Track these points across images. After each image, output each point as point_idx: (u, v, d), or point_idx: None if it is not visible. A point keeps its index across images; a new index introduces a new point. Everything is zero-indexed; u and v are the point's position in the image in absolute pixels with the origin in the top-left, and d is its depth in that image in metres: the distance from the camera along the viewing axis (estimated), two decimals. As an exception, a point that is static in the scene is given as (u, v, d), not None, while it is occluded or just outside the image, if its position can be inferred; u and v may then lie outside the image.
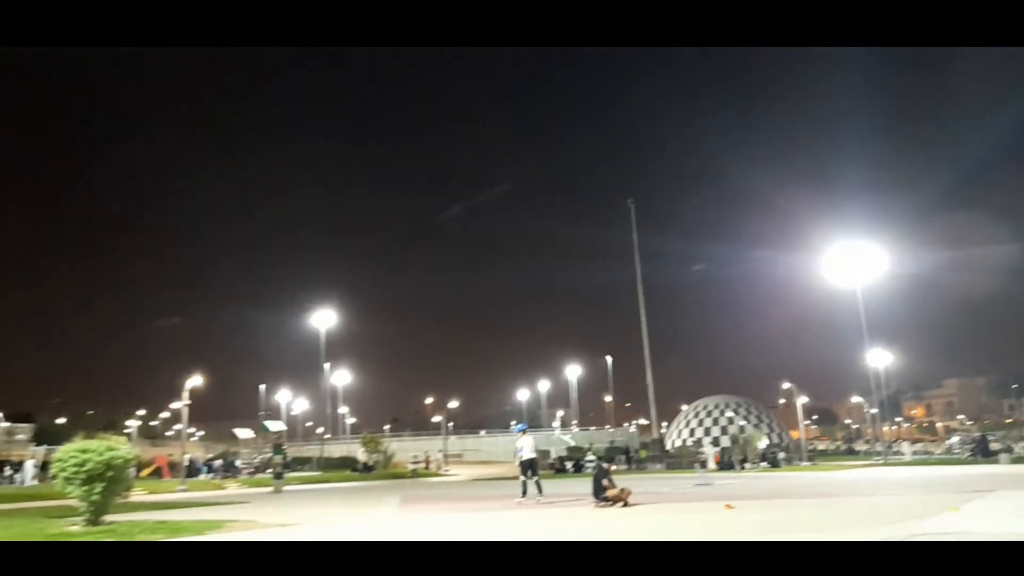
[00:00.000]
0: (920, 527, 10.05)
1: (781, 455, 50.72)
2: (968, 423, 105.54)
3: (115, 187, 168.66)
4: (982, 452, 46.55)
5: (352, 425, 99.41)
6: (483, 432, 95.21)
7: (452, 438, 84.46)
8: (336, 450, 66.31)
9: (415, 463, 50.41)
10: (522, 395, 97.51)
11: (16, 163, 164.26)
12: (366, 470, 48.48)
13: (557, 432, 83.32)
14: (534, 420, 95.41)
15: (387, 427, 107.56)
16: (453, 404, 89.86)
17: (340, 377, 67.11)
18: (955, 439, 66.05)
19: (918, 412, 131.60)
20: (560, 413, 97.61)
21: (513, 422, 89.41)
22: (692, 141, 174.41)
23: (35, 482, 40.20)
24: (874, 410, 66.95)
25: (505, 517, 14.36)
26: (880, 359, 51.88)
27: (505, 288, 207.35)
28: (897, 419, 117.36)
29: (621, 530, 11.12)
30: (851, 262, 32.27)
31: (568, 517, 13.98)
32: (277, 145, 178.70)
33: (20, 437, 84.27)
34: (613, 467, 18.91)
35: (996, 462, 42.02)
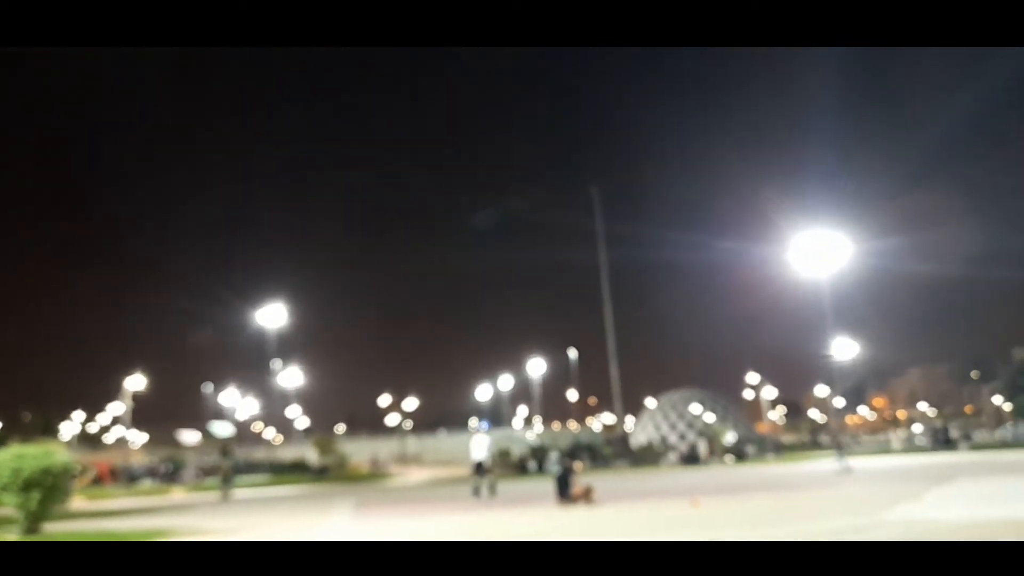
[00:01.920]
0: (887, 516, 10.23)
1: (750, 449, 50.85)
2: (930, 411, 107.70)
3: (47, 174, 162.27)
4: (942, 441, 47.36)
5: (305, 427, 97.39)
6: (443, 431, 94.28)
7: (410, 438, 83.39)
8: (288, 453, 64.72)
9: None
10: (483, 392, 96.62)
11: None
12: (320, 473, 47.32)
13: (519, 430, 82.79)
14: (496, 418, 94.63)
15: (341, 428, 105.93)
16: (411, 403, 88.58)
17: (291, 377, 65.37)
18: (917, 428, 67.21)
19: (880, 402, 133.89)
20: (523, 410, 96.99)
21: (473, 419, 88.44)
22: (658, 127, 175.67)
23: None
24: (839, 401, 67.41)
25: (464, 520, 13.69)
26: (845, 349, 52.07)
27: (464, 280, 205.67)
28: (861, 409, 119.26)
29: (585, 529, 10.60)
30: (815, 250, 32.17)
31: (531, 516, 13.37)
32: (224, 132, 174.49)
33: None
34: (578, 465, 18.41)
35: (956, 450, 42.69)
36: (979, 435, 51.86)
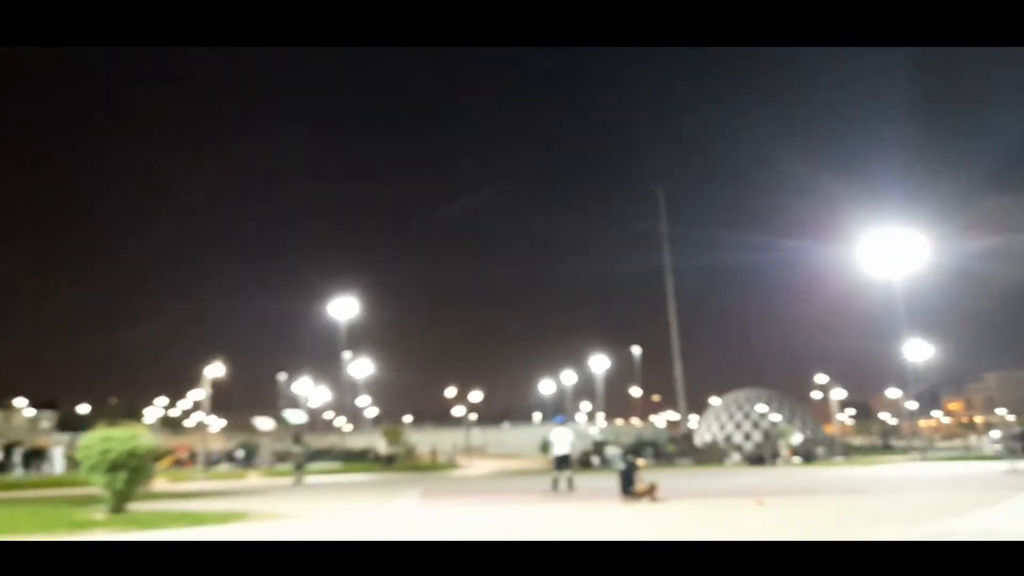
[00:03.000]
0: (956, 525, 9.73)
1: (820, 450, 49.78)
2: (1010, 418, 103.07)
3: (133, 175, 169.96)
4: (1019, 448, 45.38)
5: (374, 417, 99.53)
6: (506, 424, 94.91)
7: (475, 430, 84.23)
8: (358, 442, 66.36)
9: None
10: (546, 387, 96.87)
11: (40, 152, 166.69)
12: (387, 462, 48.37)
13: (582, 426, 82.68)
14: (559, 413, 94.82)
15: (409, 419, 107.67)
16: (476, 396, 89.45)
17: (361, 367, 66.94)
18: (995, 434, 64.48)
19: (957, 406, 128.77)
20: (585, 406, 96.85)
21: (538, 414, 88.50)
22: (724, 128, 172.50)
23: (61, 470, 40.49)
24: (912, 404, 65.24)
25: (527, 512, 13.92)
26: (918, 351, 50.29)
27: (531, 277, 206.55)
28: (935, 413, 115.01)
29: (648, 526, 10.67)
30: (888, 250, 31.26)
31: (594, 512, 13.51)
32: (301, 132, 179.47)
33: (44, 425, 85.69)
34: (641, 461, 18.33)
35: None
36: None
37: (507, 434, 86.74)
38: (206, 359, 37.61)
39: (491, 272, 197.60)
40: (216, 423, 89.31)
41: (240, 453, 51.84)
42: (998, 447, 52.23)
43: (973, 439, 69.39)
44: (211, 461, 45.76)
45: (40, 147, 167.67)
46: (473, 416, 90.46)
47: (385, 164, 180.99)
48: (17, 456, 43.06)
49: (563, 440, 18.45)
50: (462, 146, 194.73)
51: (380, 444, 53.81)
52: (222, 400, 72.12)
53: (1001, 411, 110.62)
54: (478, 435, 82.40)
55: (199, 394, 41.78)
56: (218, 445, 59.37)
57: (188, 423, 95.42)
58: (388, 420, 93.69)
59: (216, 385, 38.38)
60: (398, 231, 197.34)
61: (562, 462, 18.25)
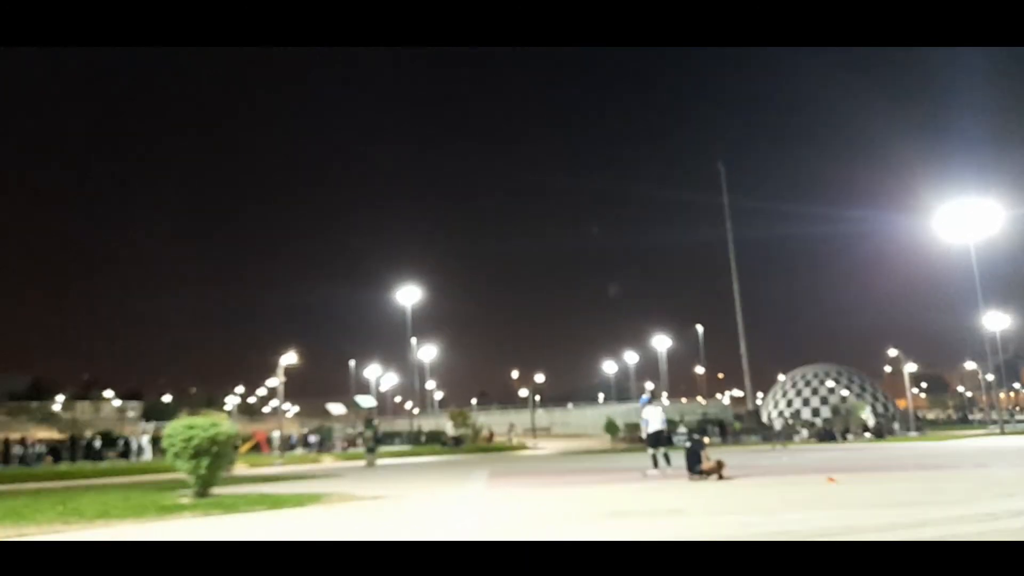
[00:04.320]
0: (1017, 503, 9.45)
1: (895, 425, 48.61)
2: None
3: (207, 167, 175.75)
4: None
5: (440, 399, 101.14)
6: (570, 405, 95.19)
7: (539, 411, 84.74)
8: (425, 424, 67.61)
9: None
10: (609, 368, 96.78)
11: (131, 142, 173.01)
12: (455, 444, 49.16)
13: (639, 404, 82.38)
14: (623, 393, 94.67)
15: (474, 401, 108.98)
16: (539, 378, 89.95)
17: (427, 352, 68.08)
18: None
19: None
20: (649, 386, 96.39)
21: (601, 394, 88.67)
22: (791, 95, 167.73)
23: (150, 457, 42.54)
24: (990, 376, 62.98)
25: (594, 492, 14.09)
26: (996, 322, 48.44)
27: (591, 257, 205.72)
28: (1015, 385, 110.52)
29: (722, 504, 10.74)
30: (963, 218, 30.09)
31: (663, 490, 13.59)
32: (363, 121, 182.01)
33: (131, 414, 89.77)
34: (707, 439, 18.27)
35: None
36: None
37: (572, 414, 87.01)
38: (281, 349, 39.07)
39: (553, 254, 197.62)
40: (291, 409, 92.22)
41: (314, 437, 53.51)
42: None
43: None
44: (287, 446, 47.28)
45: (129, 137, 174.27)
46: (537, 398, 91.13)
47: (449, 147, 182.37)
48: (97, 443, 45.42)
49: (656, 417, 18.58)
50: (526, 126, 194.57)
51: (448, 426, 54.71)
52: (296, 387, 74.62)
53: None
54: (543, 416, 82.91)
55: (274, 382, 43.17)
56: (293, 430, 61.29)
57: (265, 410, 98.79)
58: (454, 403, 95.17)
59: (290, 373, 39.73)
60: (461, 215, 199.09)
61: (657, 438, 18.36)
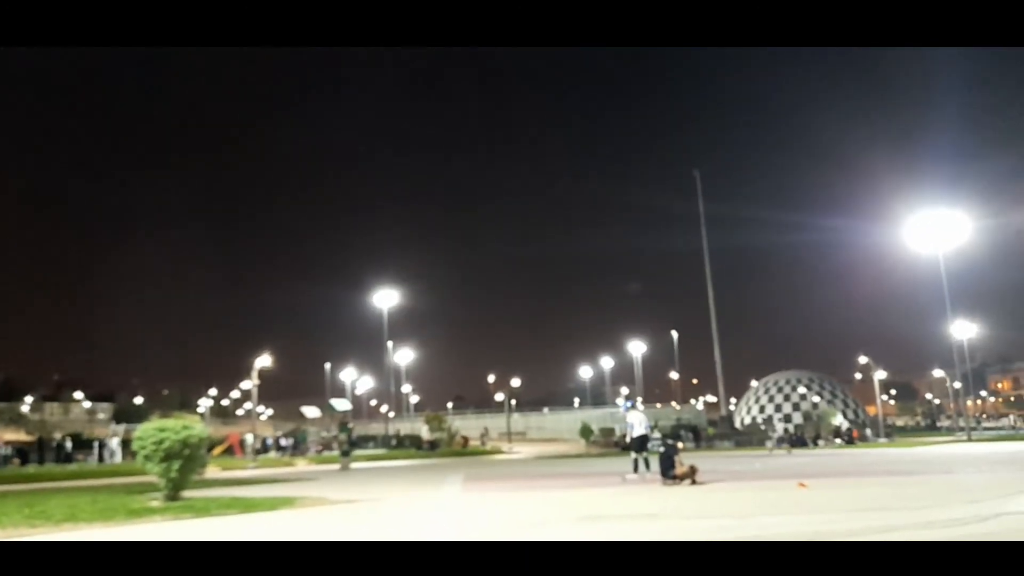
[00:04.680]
0: (1003, 506, 9.71)
1: (868, 431, 49.29)
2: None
3: (182, 166, 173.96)
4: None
5: (416, 403, 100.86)
6: (546, 410, 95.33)
7: (515, 416, 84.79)
8: (401, 428, 67.38)
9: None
10: (585, 372, 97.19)
11: (91, 150, 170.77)
12: (430, 448, 49.05)
13: (621, 410, 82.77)
14: (598, 398, 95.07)
15: (450, 405, 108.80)
16: (516, 382, 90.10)
17: (404, 355, 67.91)
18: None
19: (1004, 385, 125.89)
20: (624, 390, 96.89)
21: (576, 399, 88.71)
22: (765, 104, 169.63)
23: (120, 459, 41.90)
24: (957, 384, 64.09)
25: (569, 496, 14.13)
26: (964, 330, 49.35)
27: (567, 261, 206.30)
28: (982, 393, 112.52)
29: (694, 508, 10.82)
30: (933, 229, 30.69)
31: (638, 495, 13.67)
32: (336, 120, 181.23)
33: (101, 416, 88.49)
34: (681, 444, 18.39)
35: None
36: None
37: (547, 419, 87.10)
38: (256, 351, 38.80)
39: (529, 259, 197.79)
40: (265, 412, 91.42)
41: (288, 441, 53.09)
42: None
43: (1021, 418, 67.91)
44: (261, 449, 46.86)
45: (93, 141, 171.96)
46: (513, 402, 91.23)
47: (423, 153, 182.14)
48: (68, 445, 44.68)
49: (641, 422, 18.62)
50: (500, 133, 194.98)
51: (423, 430, 54.59)
52: (271, 390, 73.98)
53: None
54: (519, 420, 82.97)
55: (248, 384, 42.83)
56: (267, 433, 60.76)
57: (239, 412, 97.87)
58: (430, 407, 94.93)
59: (265, 375, 39.42)
60: (440, 219, 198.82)
61: (642, 443, 18.40)
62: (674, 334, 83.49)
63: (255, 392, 38.58)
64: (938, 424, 69.76)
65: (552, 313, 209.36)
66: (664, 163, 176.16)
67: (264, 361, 37.94)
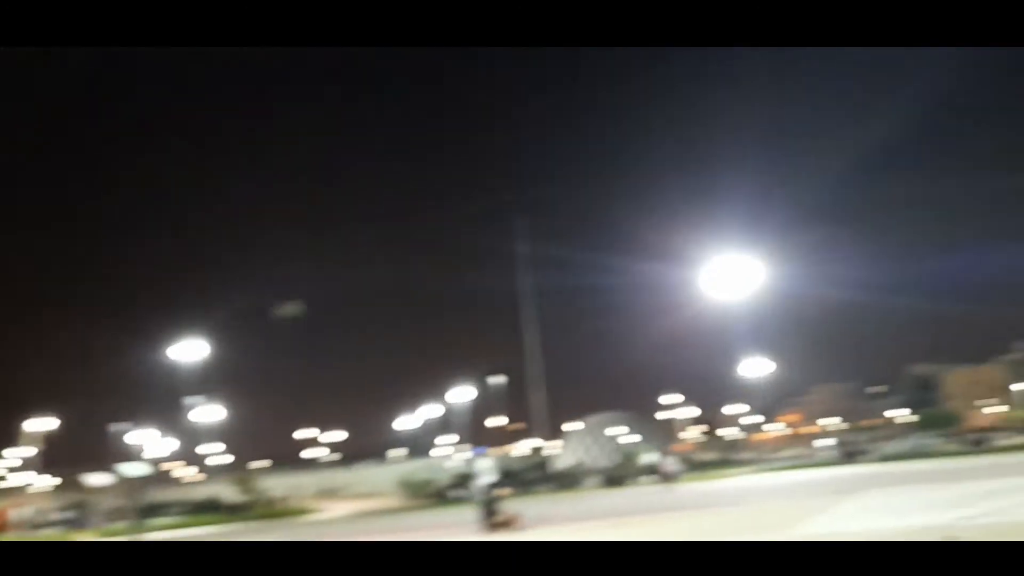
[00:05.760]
0: (799, 530, 10.47)
1: (677, 467, 51.59)
2: (836, 427, 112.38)
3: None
4: (849, 454, 49.56)
5: (224, 464, 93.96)
6: (365, 463, 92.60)
7: (333, 472, 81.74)
8: (206, 491, 62.31)
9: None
10: (407, 422, 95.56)
11: None
12: (236, 511, 45.85)
13: (445, 459, 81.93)
14: (419, 447, 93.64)
15: (261, 464, 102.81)
16: (333, 436, 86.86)
17: (211, 413, 63.10)
18: (825, 443, 69.98)
19: (792, 418, 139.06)
20: (448, 438, 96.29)
21: (396, 450, 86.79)
22: (586, 148, 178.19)
23: None
24: (753, 418, 69.78)
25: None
26: (757, 368, 54.17)
27: (387, 307, 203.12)
28: (773, 426, 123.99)
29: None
30: (730, 274, 33.36)
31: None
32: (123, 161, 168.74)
33: None
34: (504, 491, 18.33)
35: (861, 462, 44.68)
36: (881, 447, 54.56)
37: (366, 473, 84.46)
38: (28, 412, 34.17)
39: (349, 303, 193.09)
40: (46, 481, 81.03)
41: (70, 513, 47.64)
42: (830, 454, 56.73)
43: (808, 448, 74.99)
44: (37, 524, 41.69)
45: None
46: (329, 456, 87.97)
47: (222, 186, 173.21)
48: None
49: (488, 469, 18.59)
50: (318, 157, 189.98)
51: (230, 493, 50.81)
52: (50, 455, 65.79)
53: (830, 420, 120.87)
54: (336, 476, 79.92)
55: (23, 451, 37.69)
56: (46, 505, 53.95)
57: (8, 484, 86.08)
58: (240, 466, 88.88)
59: (39, 440, 34.81)
60: (244, 267, 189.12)
61: (490, 489, 18.15)
62: (498, 379, 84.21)
63: (33, 459, 33.97)
64: (738, 457, 75.12)
65: (372, 362, 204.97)
66: (484, 203, 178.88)
67: (41, 424, 33.51)
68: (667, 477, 35.25)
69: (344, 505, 54.24)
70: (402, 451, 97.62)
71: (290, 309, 59.30)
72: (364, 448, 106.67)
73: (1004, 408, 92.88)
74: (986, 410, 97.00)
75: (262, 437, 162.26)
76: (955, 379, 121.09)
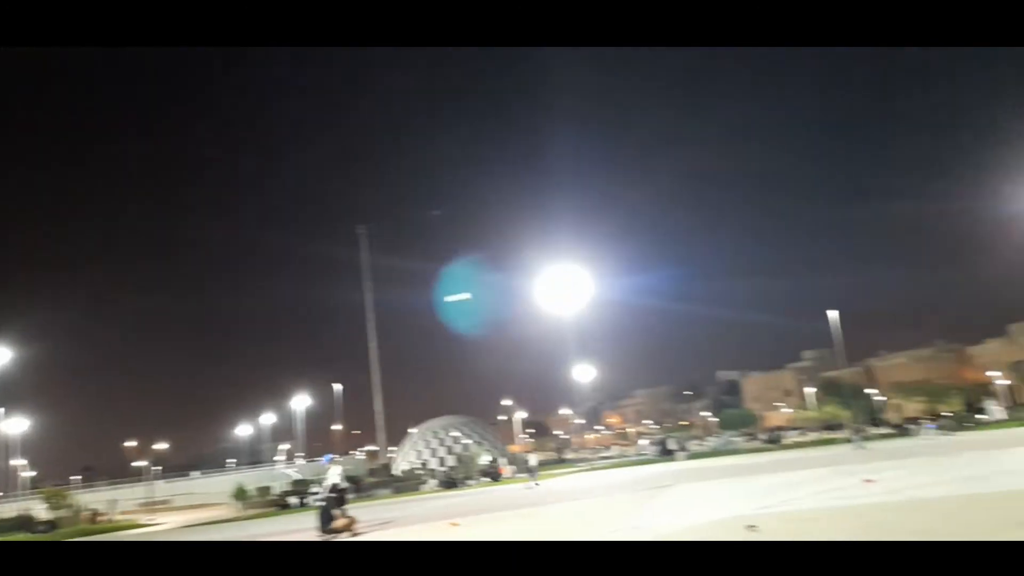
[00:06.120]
0: (623, 523, 11.52)
1: (511, 468, 53.39)
2: (654, 427, 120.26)
3: None
4: (664, 452, 53.81)
5: (32, 478, 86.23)
6: (197, 473, 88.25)
7: (160, 483, 77.36)
8: (10, 509, 57.18)
9: None
10: (243, 431, 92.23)
11: None
12: (48, 529, 42.65)
13: (281, 467, 79.80)
14: (256, 455, 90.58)
15: (78, 477, 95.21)
16: (161, 446, 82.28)
17: (15, 424, 58.14)
18: (644, 442, 74.96)
19: (615, 420, 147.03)
20: (285, 446, 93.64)
21: (231, 459, 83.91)
22: (428, 162, 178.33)
23: None
24: (580, 420, 73.74)
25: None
26: (585, 374, 57.92)
27: (224, 314, 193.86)
28: (598, 427, 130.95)
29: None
30: (561, 283, 35.43)
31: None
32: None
33: None
34: (347, 496, 18.80)
35: (674, 459, 48.72)
36: (693, 445, 59.49)
37: (197, 483, 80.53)
38: None
39: (182, 307, 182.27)
40: None
41: None
42: (647, 452, 61.21)
43: (627, 447, 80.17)
44: None
45: None
46: (159, 468, 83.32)
47: (62, 187, 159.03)
48: None
49: (336, 475, 18.54)
50: (143, 171, 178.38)
51: (39, 509, 47.10)
52: None
53: (648, 422, 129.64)
54: (164, 487, 75.72)
55: None
56: None
57: None
58: (51, 481, 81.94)
59: None
60: (71, 268, 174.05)
61: (341, 494, 18.20)
62: (337, 387, 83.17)
63: None
64: (566, 457, 78.64)
65: (208, 370, 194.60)
66: (332, 215, 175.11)
67: None
68: (531, 473, 37.39)
69: (173, 516, 51.88)
70: (240, 460, 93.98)
71: None
72: (199, 459, 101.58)
73: (795, 409, 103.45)
74: (781, 410, 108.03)
75: (84, 449, 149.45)
76: (754, 383, 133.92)
